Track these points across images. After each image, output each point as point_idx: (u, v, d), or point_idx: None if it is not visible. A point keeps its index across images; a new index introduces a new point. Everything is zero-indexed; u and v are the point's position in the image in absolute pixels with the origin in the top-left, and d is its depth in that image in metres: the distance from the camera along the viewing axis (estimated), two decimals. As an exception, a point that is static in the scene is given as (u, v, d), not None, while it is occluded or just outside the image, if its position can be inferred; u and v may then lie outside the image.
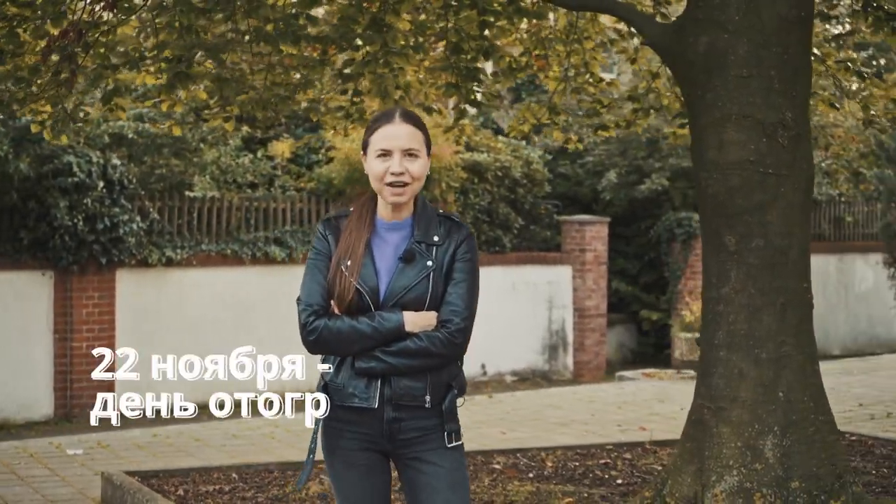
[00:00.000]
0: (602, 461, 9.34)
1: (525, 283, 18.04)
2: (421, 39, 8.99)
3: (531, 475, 8.88)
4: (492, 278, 17.62)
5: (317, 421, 4.45)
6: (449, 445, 4.42)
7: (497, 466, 9.20)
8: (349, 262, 4.36)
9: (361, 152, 4.51)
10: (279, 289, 15.89)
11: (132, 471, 8.76)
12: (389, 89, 8.97)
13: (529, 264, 18.17)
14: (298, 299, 4.45)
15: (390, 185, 4.34)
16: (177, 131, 9.75)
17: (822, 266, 20.65)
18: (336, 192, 16.31)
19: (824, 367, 15.55)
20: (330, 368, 4.46)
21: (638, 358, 20.08)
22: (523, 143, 18.34)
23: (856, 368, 15.58)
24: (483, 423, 11.38)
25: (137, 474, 8.61)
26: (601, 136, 10.40)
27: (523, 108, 10.32)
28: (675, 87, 9.91)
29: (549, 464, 9.30)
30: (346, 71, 9.09)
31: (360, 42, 8.59)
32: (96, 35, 8.01)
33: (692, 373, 14.93)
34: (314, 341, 4.35)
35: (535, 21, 9.23)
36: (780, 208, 7.22)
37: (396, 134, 4.34)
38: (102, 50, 8.18)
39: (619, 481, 8.63)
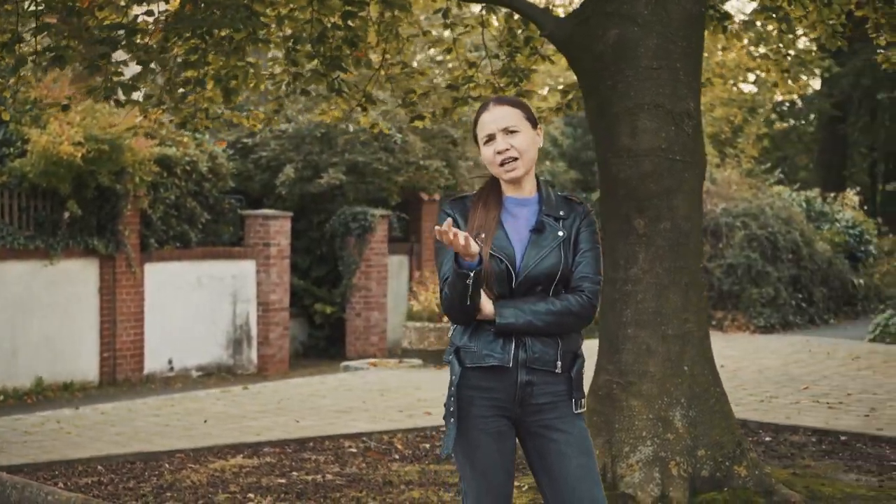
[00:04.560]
0: (449, 443, 9.53)
1: (210, 277, 17.83)
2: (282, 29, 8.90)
3: (397, 457, 9.00)
4: (177, 273, 17.34)
5: (450, 388, 4.51)
6: (576, 411, 4.55)
7: (353, 450, 9.25)
8: (483, 235, 4.51)
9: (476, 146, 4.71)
10: (-25, 285, 15.04)
11: (-1, 466, 8.26)
12: (257, 77, 8.85)
13: (214, 259, 17.98)
14: (439, 280, 4.54)
15: (501, 164, 4.53)
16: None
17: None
18: (30, 186, 15.54)
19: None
20: (458, 336, 4.55)
21: (310, 351, 20.22)
22: (206, 136, 18.10)
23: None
24: (266, 413, 11.29)
25: (3, 469, 8.12)
26: (417, 125, 10.50)
27: (335, 97, 10.29)
28: (501, 78, 10.23)
29: (400, 446, 9.45)
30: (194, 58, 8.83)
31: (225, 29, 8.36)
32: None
33: (418, 361, 15.31)
34: (446, 310, 4.50)
35: (396, 12, 9.28)
36: (684, 193, 7.68)
37: (493, 117, 4.57)
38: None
39: (488, 460, 8.84)
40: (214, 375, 17.46)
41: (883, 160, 33.59)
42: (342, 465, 8.69)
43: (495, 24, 10.42)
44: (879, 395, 11.92)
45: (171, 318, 17.13)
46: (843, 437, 9.57)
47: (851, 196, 23.74)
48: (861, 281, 21.51)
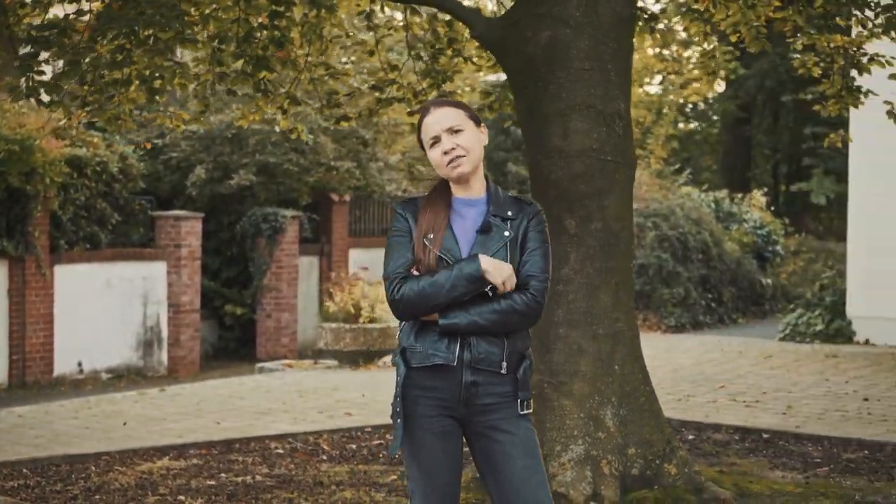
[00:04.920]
0: (375, 442, 9.59)
1: (120, 279, 17.60)
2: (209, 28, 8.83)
3: (325, 457, 8.99)
4: (88, 275, 17.11)
5: (397, 388, 4.51)
6: (521, 413, 4.58)
7: (280, 451, 9.22)
8: (431, 236, 4.54)
9: (422, 151, 4.74)
10: None
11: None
12: (185, 77, 8.77)
13: (125, 260, 17.75)
14: (385, 276, 4.55)
15: (448, 163, 4.55)
16: None
17: (378, 259, 21.48)
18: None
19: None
20: (404, 336, 4.56)
21: (220, 353, 20.07)
22: (116, 137, 17.87)
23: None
24: (186, 415, 11.21)
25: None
26: (343, 126, 10.45)
27: (259, 98, 10.20)
28: (424, 80, 10.22)
29: (327, 447, 9.43)
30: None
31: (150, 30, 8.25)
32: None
33: (334, 362, 15.26)
34: (404, 306, 4.47)
35: (322, 13, 9.22)
36: (615, 193, 7.73)
37: (436, 119, 4.59)
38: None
39: (417, 461, 8.88)
40: (125, 377, 17.24)
41: (785, 162, 34.11)
42: (270, 467, 8.66)
43: (419, 28, 10.39)
44: (794, 393, 12.09)
45: (80, 320, 16.88)
46: (765, 435, 9.70)
47: (758, 197, 24.08)
48: (769, 281, 21.82)
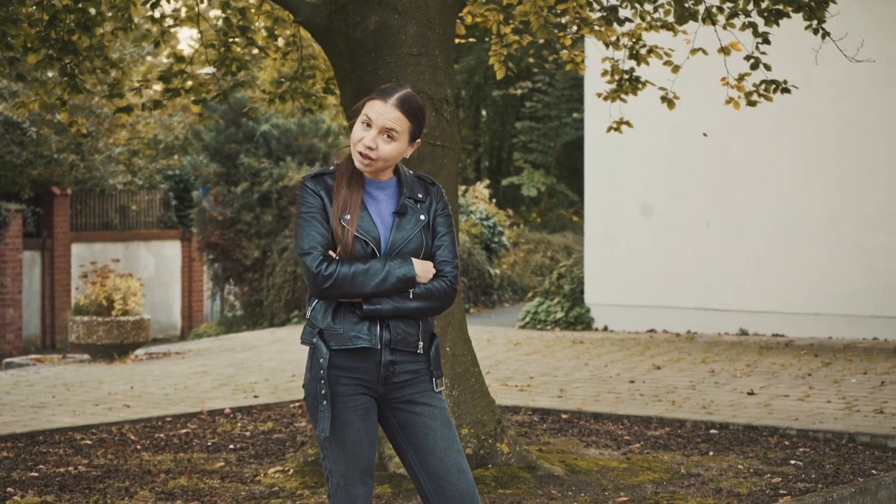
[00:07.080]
0: (182, 431, 9.45)
1: None
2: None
3: (139, 447, 8.83)
4: None
5: (319, 370, 4.51)
6: (436, 390, 4.70)
7: (89, 442, 9.01)
8: (348, 216, 4.55)
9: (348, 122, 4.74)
10: None
11: None
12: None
13: None
14: (301, 251, 4.53)
15: (360, 153, 4.56)
16: None
17: (111, 254, 21.04)
18: None
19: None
20: (319, 317, 4.56)
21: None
22: None
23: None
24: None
25: None
26: (124, 118, 10.18)
27: (36, 86, 9.83)
28: (219, 69, 10.06)
29: (134, 437, 9.26)
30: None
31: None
32: None
33: (86, 356, 14.82)
34: (330, 286, 4.46)
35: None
36: (444, 178, 7.86)
37: (384, 112, 4.53)
38: None
39: (232, 447, 8.82)
40: None
41: (487, 156, 34.96)
42: (87, 457, 8.46)
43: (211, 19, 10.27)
44: (560, 378, 12.44)
45: None
46: (564, 416, 9.97)
47: (482, 189, 24.61)
48: (496, 271, 22.33)
